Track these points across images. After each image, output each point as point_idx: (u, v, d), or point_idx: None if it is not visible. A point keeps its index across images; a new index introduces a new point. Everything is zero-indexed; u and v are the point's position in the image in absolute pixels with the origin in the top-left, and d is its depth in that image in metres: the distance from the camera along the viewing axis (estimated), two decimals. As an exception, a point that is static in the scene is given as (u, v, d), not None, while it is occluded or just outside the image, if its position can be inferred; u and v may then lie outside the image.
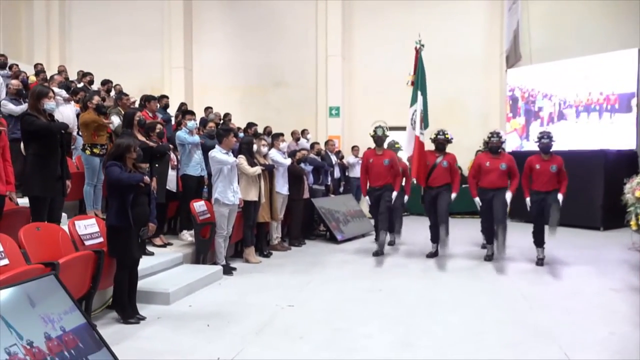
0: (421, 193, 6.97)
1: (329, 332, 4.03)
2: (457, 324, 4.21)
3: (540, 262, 6.36)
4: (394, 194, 7.03)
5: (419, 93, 6.80)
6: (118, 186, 4.05)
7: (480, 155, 7.06)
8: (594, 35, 10.82)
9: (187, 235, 6.51)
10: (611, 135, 9.84)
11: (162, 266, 5.39)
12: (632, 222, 5.17)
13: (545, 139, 6.32)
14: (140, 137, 5.72)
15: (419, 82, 6.84)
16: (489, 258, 6.68)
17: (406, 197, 7.64)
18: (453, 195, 6.71)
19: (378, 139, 6.99)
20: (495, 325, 4.18)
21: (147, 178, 4.17)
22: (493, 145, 6.61)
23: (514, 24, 11.83)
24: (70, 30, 15.50)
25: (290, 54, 14.15)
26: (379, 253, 6.99)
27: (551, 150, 6.34)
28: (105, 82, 9.50)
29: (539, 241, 6.42)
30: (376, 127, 7.02)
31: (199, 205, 6.18)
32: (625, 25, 10.63)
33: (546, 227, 6.31)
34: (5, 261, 3.28)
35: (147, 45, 14.66)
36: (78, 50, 15.24)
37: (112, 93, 9.48)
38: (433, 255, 6.87)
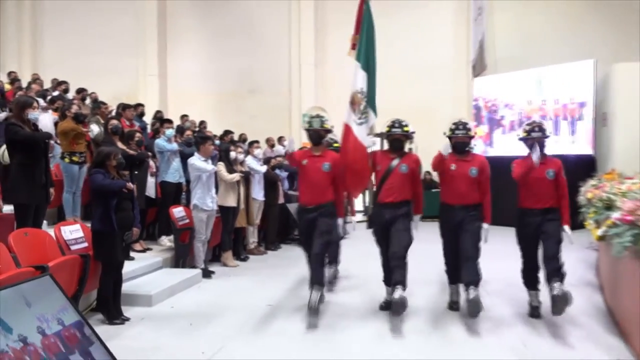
0: (367, 212, 5.02)
1: (308, 328, 4.24)
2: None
3: (535, 311, 4.48)
4: (340, 221, 4.67)
5: (364, 63, 4.84)
6: (102, 192, 4.22)
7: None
8: (555, 46, 11.38)
9: (166, 241, 6.66)
10: (570, 142, 10.36)
11: (143, 270, 5.54)
12: (586, 223, 5.48)
13: (536, 132, 4.42)
14: (121, 145, 5.88)
15: (362, 44, 4.87)
16: (454, 306, 4.67)
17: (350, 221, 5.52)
18: (415, 220, 4.57)
19: (314, 133, 4.68)
20: (459, 318, 4.47)
21: (130, 184, 4.36)
22: (458, 142, 4.47)
23: (479, 35, 12.30)
24: (42, 37, 15.42)
25: (264, 61, 14.39)
26: (313, 309, 4.27)
27: (545, 149, 4.50)
28: (80, 91, 9.56)
29: (531, 282, 4.52)
30: (311, 118, 4.70)
31: (178, 211, 6.35)
32: (583, 37, 11.24)
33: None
34: (-3, 265, 3.42)
35: (121, 52, 14.71)
36: (50, 57, 15.15)
37: (87, 101, 9.54)
38: (387, 305, 4.52)
